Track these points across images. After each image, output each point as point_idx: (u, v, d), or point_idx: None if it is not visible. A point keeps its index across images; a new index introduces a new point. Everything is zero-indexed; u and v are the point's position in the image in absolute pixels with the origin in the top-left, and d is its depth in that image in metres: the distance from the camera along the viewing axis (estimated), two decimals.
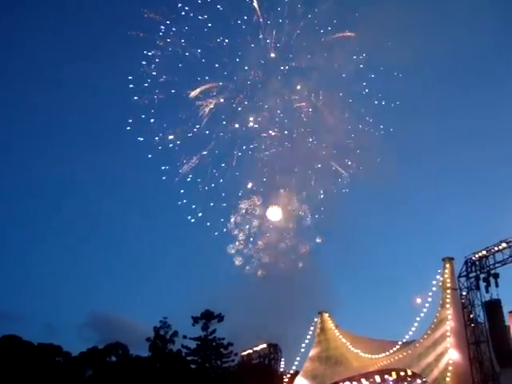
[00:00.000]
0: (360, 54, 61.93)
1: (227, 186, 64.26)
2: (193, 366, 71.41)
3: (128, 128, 61.69)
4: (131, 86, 60.41)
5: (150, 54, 60.62)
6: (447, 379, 38.64)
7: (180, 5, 59.88)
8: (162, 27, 59.81)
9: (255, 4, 59.67)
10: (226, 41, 60.53)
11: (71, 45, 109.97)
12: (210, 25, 60.19)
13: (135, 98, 59.64)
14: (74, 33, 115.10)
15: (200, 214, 64.25)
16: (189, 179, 63.29)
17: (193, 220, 64.02)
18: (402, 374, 46.00)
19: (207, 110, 61.69)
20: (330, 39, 61.52)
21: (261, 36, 61.23)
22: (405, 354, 44.57)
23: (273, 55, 62.69)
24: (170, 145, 61.16)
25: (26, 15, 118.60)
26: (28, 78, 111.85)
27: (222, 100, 62.73)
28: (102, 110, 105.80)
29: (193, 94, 61.57)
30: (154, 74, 59.61)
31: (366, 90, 62.29)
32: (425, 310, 44.04)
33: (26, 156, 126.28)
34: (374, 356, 48.09)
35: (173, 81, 61.02)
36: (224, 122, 62.57)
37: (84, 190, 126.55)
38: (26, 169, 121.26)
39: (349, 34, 61.16)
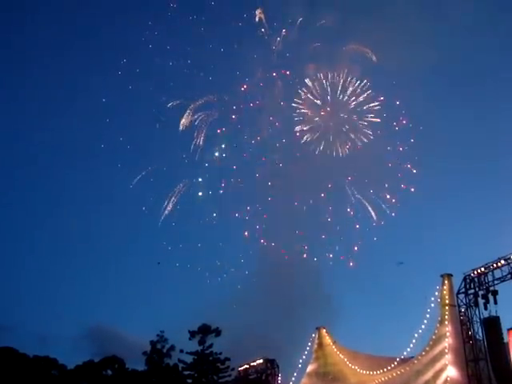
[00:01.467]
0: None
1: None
2: (189, 381, 71.00)
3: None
4: (104, 100, 58.51)
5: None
6: None
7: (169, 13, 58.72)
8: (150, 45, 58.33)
9: (261, 15, 59.20)
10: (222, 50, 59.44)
11: (63, 49, 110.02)
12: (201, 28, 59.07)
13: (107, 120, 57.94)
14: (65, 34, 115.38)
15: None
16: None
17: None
18: None
19: (200, 138, 60.67)
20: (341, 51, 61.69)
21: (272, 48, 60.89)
22: (403, 370, 44.28)
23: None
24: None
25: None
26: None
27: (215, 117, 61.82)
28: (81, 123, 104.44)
29: (184, 121, 60.38)
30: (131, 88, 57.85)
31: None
32: (423, 326, 43.81)
33: (20, 165, 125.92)
34: (371, 372, 47.78)
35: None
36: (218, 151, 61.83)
37: (80, 201, 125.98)
38: (20, 177, 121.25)
39: (362, 48, 61.13)
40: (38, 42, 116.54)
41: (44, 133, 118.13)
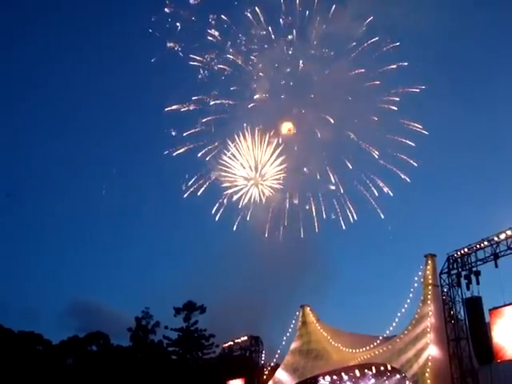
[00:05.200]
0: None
1: None
2: (174, 357, 71.63)
3: None
4: None
5: None
6: (426, 375, 38.83)
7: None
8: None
9: None
10: None
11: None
12: None
13: None
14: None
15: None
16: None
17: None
18: (382, 368, 46.23)
19: None
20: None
21: None
22: (385, 349, 44.73)
23: None
24: None
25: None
26: None
27: None
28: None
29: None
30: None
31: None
32: (406, 305, 44.25)
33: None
34: (354, 350, 48.25)
35: None
36: None
37: (62, 176, 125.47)
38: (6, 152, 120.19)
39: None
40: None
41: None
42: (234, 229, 66.20)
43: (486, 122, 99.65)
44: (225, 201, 65.17)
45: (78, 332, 75.30)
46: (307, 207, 66.02)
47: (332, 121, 63.87)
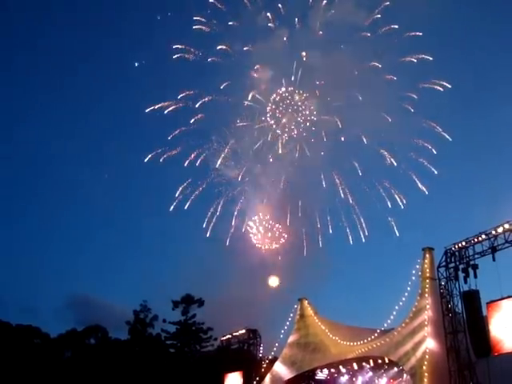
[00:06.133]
0: None
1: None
2: (172, 350, 71.70)
3: None
4: None
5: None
6: (424, 368, 38.90)
7: None
8: None
9: None
10: None
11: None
12: None
13: None
14: None
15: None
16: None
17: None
18: (380, 361, 46.36)
19: None
20: None
21: None
22: (383, 342, 44.76)
23: None
24: None
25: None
26: None
27: None
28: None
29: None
30: None
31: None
32: (404, 299, 44.28)
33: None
34: (352, 343, 48.30)
35: None
36: None
37: (62, 168, 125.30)
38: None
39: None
40: None
41: None
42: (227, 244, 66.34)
43: (486, 118, 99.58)
44: (219, 207, 65.16)
45: (76, 325, 75.58)
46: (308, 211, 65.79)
47: (339, 122, 62.35)
